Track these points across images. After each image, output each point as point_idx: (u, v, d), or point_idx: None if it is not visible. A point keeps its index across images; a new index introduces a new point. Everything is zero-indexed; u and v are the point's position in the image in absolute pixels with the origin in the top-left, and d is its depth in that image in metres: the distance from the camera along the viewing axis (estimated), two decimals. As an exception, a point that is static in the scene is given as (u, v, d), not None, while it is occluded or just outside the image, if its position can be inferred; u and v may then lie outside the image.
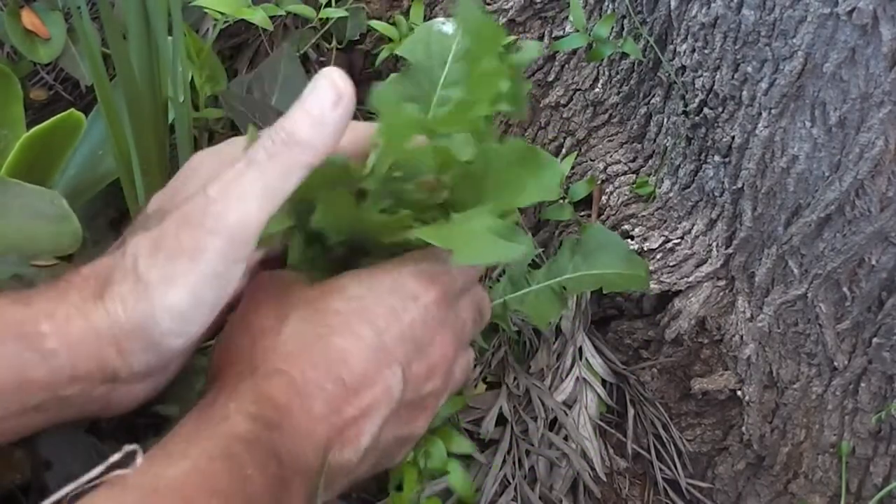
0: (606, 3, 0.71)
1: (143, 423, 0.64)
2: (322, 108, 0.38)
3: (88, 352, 0.37)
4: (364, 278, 0.42)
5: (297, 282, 0.43)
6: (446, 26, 0.55)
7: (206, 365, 0.58)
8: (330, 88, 0.38)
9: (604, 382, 0.73)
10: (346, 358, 0.39)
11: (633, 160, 0.74)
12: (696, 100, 0.64)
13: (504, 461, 0.67)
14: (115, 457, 0.33)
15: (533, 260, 0.72)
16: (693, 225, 0.69)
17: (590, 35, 0.70)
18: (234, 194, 0.37)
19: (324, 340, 0.39)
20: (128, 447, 0.33)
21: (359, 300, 0.40)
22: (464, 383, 0.48)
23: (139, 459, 0.33)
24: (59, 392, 0.38)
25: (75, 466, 0.51)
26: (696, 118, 0.65)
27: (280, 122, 0.39)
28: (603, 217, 0.74)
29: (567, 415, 0.70)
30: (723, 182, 0.65)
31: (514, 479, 0.66)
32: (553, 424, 0.70)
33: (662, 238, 0.70)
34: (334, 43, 0.84)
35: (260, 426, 0.35)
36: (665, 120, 0.69)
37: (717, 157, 0.65)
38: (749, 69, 0.58)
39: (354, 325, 0.40)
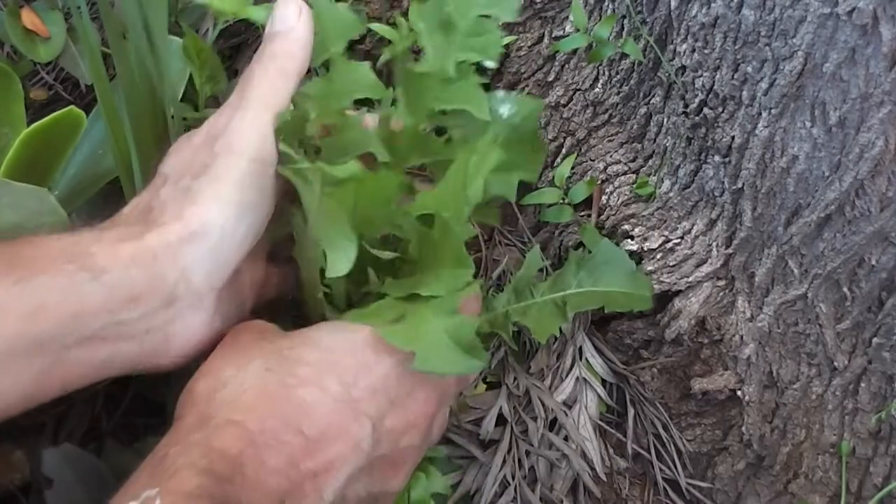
0: (606, 4, 0.71)
1: (143, 424, 0.64)
2: (289, 19, 0.46)
3: (144, 269, 0.38)
4: (339, 330, 0.41)
5: (270, 330, 0.43)
6: (504, 107, 0.55)
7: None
8: (291, 4, 0.46)
9: (604, 382, 0.73)
10: (308, 410, 0.38)
11: (633, 160, 0.74)
12: (696, 100, 0.64)
13: (504, 461, 0.67)
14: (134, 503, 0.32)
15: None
16: (693, 225, 0.69)
17: (590, 35, 0.70)
18: (246, 116, 0.43)
19: (287, 391, 0.38)
20: (149, 492, 0.33)
21: (330, 352, 0.40)
22: (439, 438, 0.48)
23: (158, 501, 0.33)
24: (118, 315, 0.38)
25: (76, 485, 0.51)
26: (696, 118, 0.65)
27: (260, 48, 0.46)
28: (603, 217, 0.74)
29: (567, 415, 0.70)
30: (723, 182, 0.65)
31: (513, 479, 0.66)
32: (553, 425, 0.70)
33: (662, 238, 0.70)
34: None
35: (210, 480, 0.34)
36: (665, 120, 0.69)
37: (717, 157, 0.65)
38: (749, 69, 0.58)
39: (322, 377, 0.39)
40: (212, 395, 0.39)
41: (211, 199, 0.40)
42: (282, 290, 0.54)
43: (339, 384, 0.39)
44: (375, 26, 0.76)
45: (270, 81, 0.45)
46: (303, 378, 0.39)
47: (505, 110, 0.56)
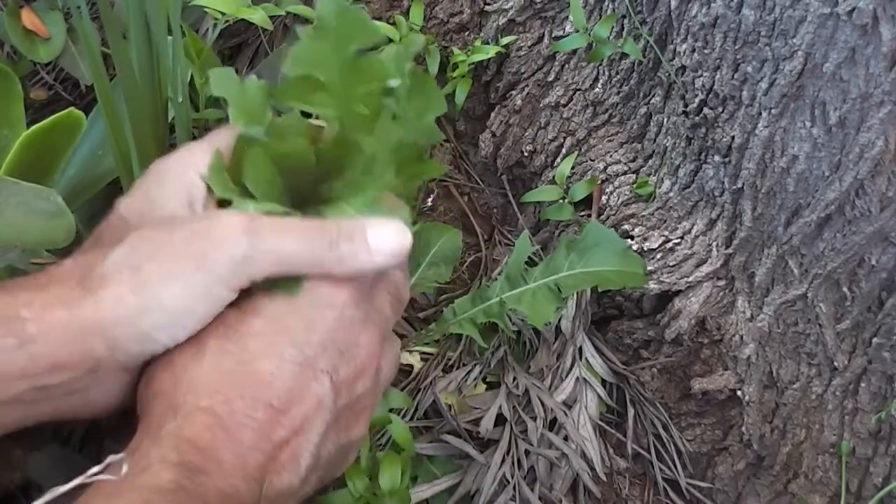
0: (606, 3, 0.71)
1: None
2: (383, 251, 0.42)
3: (71, 340, 0.37)
4: (276, 297, 0.41)
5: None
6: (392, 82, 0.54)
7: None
8: (395, 238, 0.42)
9: (604, 382, 0.73)
10: (271, 381, 0.38)
11: (633, 160, 0.74)
12: (696, 100, 0.64)
13: (503, 461, 0.67)
14: (97, 468, 0.32)
15: (530, 258, 0.73)
16: (693, 225, 0.69)
17: (590, 35, 0.70)
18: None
19: (246, 367, 0.38)
20: (112, 457, 0.32)
21: (276, 319, 0.40)
22: (394, 375, 0.47)
23: (125, 467, 0.33)
24: (39, 381, 0.37)
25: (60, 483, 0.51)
26: (696, 118, 0.65)
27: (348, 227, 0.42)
28: (603, 217, 0.74)
29: (567, 415, 0.70)
30: (723, 182, 0.65)
31: (513, 478, 0.66)
32: (552, 424, 0.70)
33: (662, 238, 0.70)
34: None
35: (183, 473, 0.34)
36: (665, 120, 0.69)
37: (717, 157, 0.65)
38: (749, 69, 0.58)
39: (276, 344, 0.39)
40: (175, 382, 0.38)
41: (156, 301, 0.38)
42: None
43: (293, 347, 0.39)
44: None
45: (298, 245, 0.41)
46: (257, 350, 0.39)
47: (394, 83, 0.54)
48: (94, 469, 0.32)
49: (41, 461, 0.52)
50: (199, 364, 0.38)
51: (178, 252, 0.38)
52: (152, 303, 0.38)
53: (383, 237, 0.42)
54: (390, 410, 0.63)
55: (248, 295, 0.41)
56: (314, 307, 0.40)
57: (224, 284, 0.39)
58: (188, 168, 0.43)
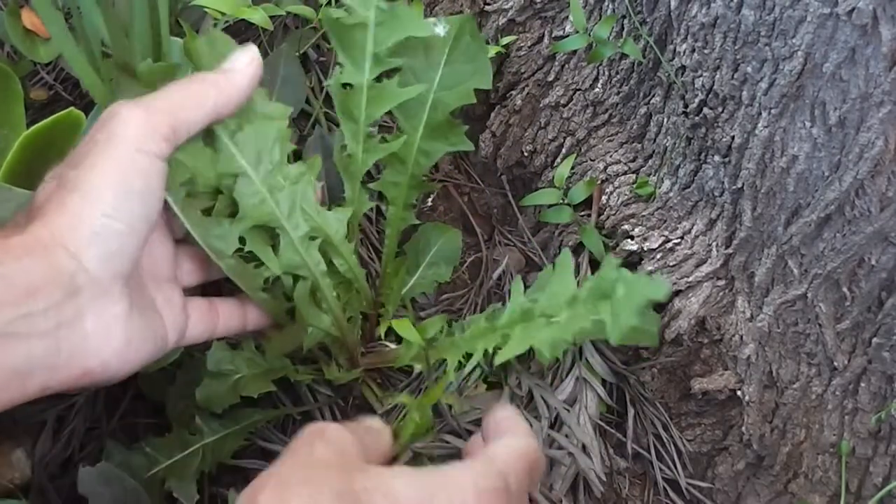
0: (606, 4, 0.71)
1: (143, 424, 0.64)
2: (238, 62, 0.49)
3: (37, 259, 0.38)
4: (416, 487, 0.37)
5: (348, 450, 0.40)
6: (438, 27, 0.57)
7: (205, 367, 0.58)
8: (247, 51, 0.50)
9: (604, 382, 0.73)
10: None
11: (633, 160, 0.74)
12: (696, 100, 0.64)
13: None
14: None
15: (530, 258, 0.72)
16: (693, 225, 0.69)
17: (590, 35, 0.70)
18: (137, 109, 0.44)
19: None
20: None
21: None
22: None
23: None
24: (22, 308, 0.37)
25: (98, 489, 0.51)
26: (696, 118, 0.65)
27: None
28: (603, 217, 0.74)
29: (569, 412, 0.70)
30: (723, 182, 0.65)
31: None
32: (555, 424, 0.70)
33: (662, 238, 0.70)
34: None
35: None
36: (665, 120, 0.69)
37: (717, 157, 0.65)
38: (749, 69, 0.58)
39: None
40: None
41: (90, 186, 0.40)
42: (229, 328, 0.54)
43: None
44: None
45: (183, 95, 0.46)
46: None
47: (440, 30, 0.59)
48: None
49: (91, 476, 0.52)
50: None
51: (89, 149, 0.42)
52: (88, 192, 0.40)
53: (238, 57, 0.49)
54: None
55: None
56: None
57: (143, 151, 0.42)
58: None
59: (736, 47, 0.58)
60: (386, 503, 0.36)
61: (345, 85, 0.58)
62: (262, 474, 0.38)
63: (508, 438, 0.42)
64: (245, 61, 0.49)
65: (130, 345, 0.42)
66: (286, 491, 0.36)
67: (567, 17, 0.76)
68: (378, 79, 0.58)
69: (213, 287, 0.55)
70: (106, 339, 0.41)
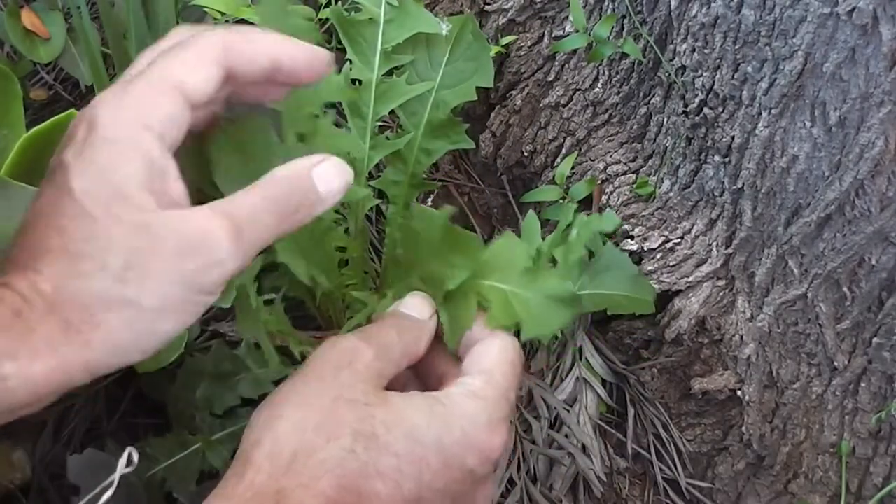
0: (606, 3, 0.71)
1: (144, 424, 0.64)
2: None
3: (54, 381, 0.36)
4: (434, 423, 0.40)
5: (367, 373, 0.41)
6: (441, 26, 0.58)
7: (205, 367, 0.58)
8: (339, 178, 0.43)
9: (604, 382, 0.73)
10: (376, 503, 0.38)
11: (633, 160, 0.74)
12: (696, 100, 0.64)
13: (509, 462, 0.67)
14: (122, 463, 0.33)
15: None
16: (693, 225, 0.69)
17: (590, 35, 0.70)
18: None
19: (365, 482, 0.38)
20: (130, 448, 0.33)
21: (419, 445, 0.39)
22: None
23: (135, 456, 0.34)
24: (14, 415, 0.36)
25: (104, 491, 0.51)
26: (696, 118, 0.65)
27: None
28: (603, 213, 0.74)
29: (569, 412, 0.70)
30: (723, 182, 0.65)
31: (520, 479, 0.67)
32: (555, 423, 0.70)
33: (662, 238, 0.70)
34: (334, 43, 0.84)
35: None
36: (665, 120, 0.69)
37: (717, 157, 0.65)
38: (749, 69, 0.58)
39: (403, 473, 0.38)
40: (293, 459, 0.37)
41: (151, 333, 0.37)
42: None
43: (415, 483, 0.38)
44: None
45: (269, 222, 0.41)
46: (384, 470, 0.38)
47: (444, 29, 0.60)
48: (120, 464, 0.32)
49: (80, 463, 0.52)
50: (322, 457, 0.37)
51: (170, 276, 0.36)
52: (144, 337, 0.37)
53: (331, 183, 0.42)
54: None
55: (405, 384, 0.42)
56: (462, 453, 0.40)
57: (213, 295, 0.38)
58: (143, 133, 0.38)
59: (736, 47, 0.58)
60: (406, 442, 0.38)
61: (353, 81, 0.58)
62: (282, 390, 0.39)
63: (496, 340, 0.44)
64: (338, 188, 0.42)
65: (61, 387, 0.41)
66: (305, 430, 0.37)
67: (567, 17, 0.76)
68: (386, 76, 0.59)
69: None
70: (32, 395, 0.38)
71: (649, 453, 0.72)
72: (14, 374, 0.34)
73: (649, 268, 0.69)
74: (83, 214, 0.37)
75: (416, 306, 0.46)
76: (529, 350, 0.74)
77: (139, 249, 0.36)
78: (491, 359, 0.43)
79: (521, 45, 0.78)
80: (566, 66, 0.76)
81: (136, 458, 0.35)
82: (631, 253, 0.71)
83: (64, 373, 0.36)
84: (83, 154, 0.38)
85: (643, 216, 0.71)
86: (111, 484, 0.34)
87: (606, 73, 0.74)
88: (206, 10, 0.68)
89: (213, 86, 0.40)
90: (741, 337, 0.68)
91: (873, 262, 0.59)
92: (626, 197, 0.73)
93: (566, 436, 0.69)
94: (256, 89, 0.44)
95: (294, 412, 0.38)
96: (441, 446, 0.39)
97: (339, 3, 0.78)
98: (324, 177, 0.42)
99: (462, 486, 0.40)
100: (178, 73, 0.39)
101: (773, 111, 0.58)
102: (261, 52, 0.42)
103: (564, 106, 0.77)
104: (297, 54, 0.43)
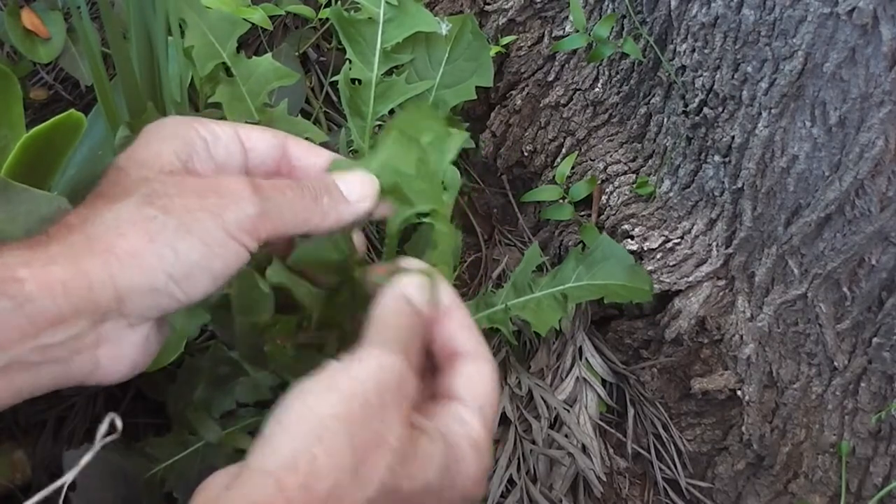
0: (606, 3, 0.71)
1: (143, 424, 0.64)
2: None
3: (76, 294, 0.36)
4: (446, 481, 0.39)
5: (400, 425, 0.39)
6: (441, 26, 0.58)
7: (206, 366, 0.58)
8: (363, 186, 0.45)
9: (604, 382, 0.73)
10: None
11: (633, 160, 0.74)
12: (696, 100, 0.64)
13: (509, 462, 0.67)
14: (102, 429, 0.33)
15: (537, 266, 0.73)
16: (693, 225, 0.69)
17: (590, 35, 0.70)
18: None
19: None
20: (111, 414, 0.33)
21: (428, 500, 0.39)
22: None
23: (118, 422, 0.34)
24: (40, 340, 0.36)
25: (101, 485, 0.51)
26: (696, 118, 0.65)
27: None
28: (603, 217, 0.74)
29: (569, 412, 0.70)
30: (723, 182, 0.65)
31: (520, 479, 0.67)
32: (555, 423, 0.70)
33: (662, 238, 0.70)
34: (334, 43, 0.84)
35: None
36: (665, 120, 0.69)
37: (717, 157, 0.65)
38: (749, 69, 0.58)
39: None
40: (326, 500, 0.35)
41: (168, 244, 0.37)
42: None
43: None
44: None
45: (293, 210, 0.42)
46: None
47: (444, 28, 0.61)
48: (100, 433, 0.32)
49: (76, 459, 0.52)
50: (353, 494, 0.36)
51: (193, 205, 0.38)
52: (168, 254, 0.37)
53: (353, 187, 0.44)
54: None
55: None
56: (449, 501, 0.40)
57: (238, 240, 0.39)
58: (189, 125, 0.43)
59: (736, 47, 0.58)
60: (420, 496, 0.38)
61: (353, 80, 0.59)
62: (326, 398, 0.37)
63: (477, 366, 0.43)
64: (361, 194, 0.45)
65: (137, 367, 0.42)
66: (342, 470, 0.36)
67: (567, 16, 0.76)
68: (385, 75, 0.59)
69: None
70: (115, 364, 0.40)
71: (649, 453, 0.72)
72: (30, 278, 0.35)
73: (649, 268, 0.69)
74: (119, 172, 0.41)
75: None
76: (529, 350, 0.74)
77: (165, 186, 0.39)
78: (485, 389, 0.42)
79: (521, 45, 0.78)
80: (566, 66, 0.76)
81: (119, 424, 0.34)
82: (631, 253, 0.71)
83: (86, 280, 0.36)
84: (132, 145, 0.42)
85: (643, 216, 0.71)
86: (90, 449, 0.34)
87: (606, 73, 0.74)
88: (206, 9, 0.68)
89: (267, 146, 0.45)
90: (741, 337, 0.68)
91: (873, 262, 0.59)
92: (626, 197, 0.73)
93: (566, 436, 0.69)
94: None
95: (334, 442, 0.36)
96: (441, 498, 0.39)
97: (339, 2, 0.78)
98: (345, 180, 0.44)
99: None
100: (238, 125, 0.44)
101: (773, 111, 0.58)
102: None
103: (564, 106, 0.77)
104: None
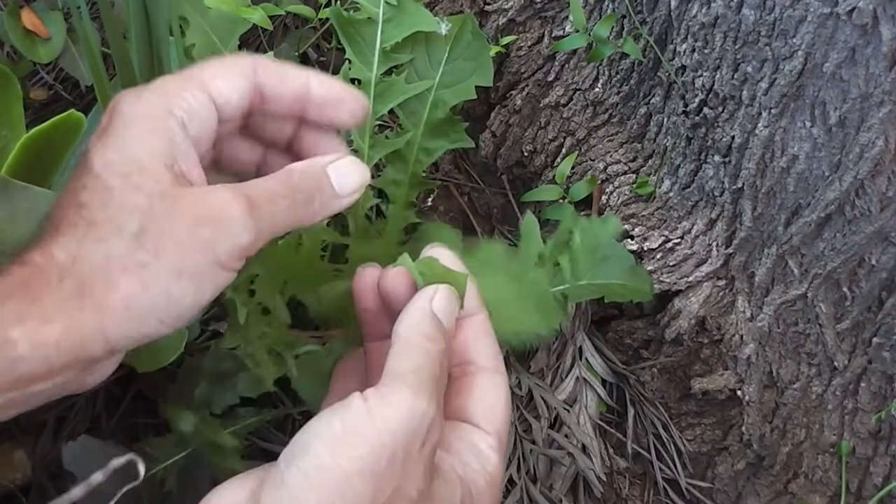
0: (606, 3, 0.71)
1: (143, 424, 0.64)
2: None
3: (68, 351, 0.35)
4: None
5: (422, 476, 0.37)
6: (441, 26, 0.58)
7: (205, 366, 0.58)
8: (356, 177, 0.43)
9: (604, 382, 0.73)
10: None
11: (633, 160, 0.74)
12: (696, 99, 0.64)
13: (509, 462, 0.67)
14: (118, 462, 0.32)
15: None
16: (693, 225, 0.69)
17: (590, 35, 0.70)
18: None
19: None
20: (130, 455, 0.32)
21: None
22: None
23: (141, 468, 0.33)
24: (29, 389, 0.35)
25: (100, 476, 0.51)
26: (696, 118, 0.65)
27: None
28: (603, 217, 0.74)
29: (570, 412, 0.70)
30: (723, 182, 0.65)
31: (520, 479, 0.67)
32: (555, 423, 0.70)
33: (662, 238, 0.70)
34: (334, 43, 0.84)
35: None
36: (665, 120, 0.69)
37: (717, 157, 0.65)
38: (749, 69, 0.58)
39: None
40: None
41: (162, 290, 0.36)
42: None
43: None
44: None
45: (287, 212, 0.41)
46: None
47: (444, 28, 0.60)
48: (115, 463, 0.32)
49: (75, 451, 0.52)
50: None
51: (185, 242, 0.37)
52: (161, 300, 0.36)
53: (346, 179, 0.42)
54: None
55: None
56: None
57: (228, 269, 0.38)
58: (167, 116, 0.39)
59: (736, 47, 0.58)
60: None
61: (352, 81, 0.59)
62: (348, 441, 0.35)
63: (493, 382, 0.42)
64: (353, 187, 0.43)
65: (112, 370, 0.42)
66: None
67: (567, 16, 0.76)
68: (385, 75, 0.59)
69: None
70: (100, 376, 0.40)
71: (649, 453, 0.72)
72: (23, 339, 0.34)
73: (649, 268, 0.69)
74: (101, 187, 0.37)
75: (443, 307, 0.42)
76: (529, 350, 0.74)
77: (155, 215, 0.37)
78: (501, 412, 0.41)
79: (521, 45, 0.78)
80: (566, 66, 0.76)
81: (142, 470, 0.34)
82: (631, 253, 0.71)
83: (78, 338, 0.35)
84: (105, 134, 0.38)
85: (643, 216, 0.71)
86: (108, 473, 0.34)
87: (606, 73, 0.74)
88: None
89: (240, 96, 0.41)
90: (741, 337, 0.68)
91: (873, 262, 0.59)
92: (626, 197, 0.73)
93: (566, 436, 0.69)
94: (286, 127, 0.44)
95: (358, 486, 0.35)
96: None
97: (339, 2, 0.78)
98: (339, 172, 0.42)
99: None
100: (206, 75, 0.40)
101: (773, 111, 0.58)
102: (292, 75, 0.42)
103: (564, 106, 0.77)
104: (330, 86, 0.42)
